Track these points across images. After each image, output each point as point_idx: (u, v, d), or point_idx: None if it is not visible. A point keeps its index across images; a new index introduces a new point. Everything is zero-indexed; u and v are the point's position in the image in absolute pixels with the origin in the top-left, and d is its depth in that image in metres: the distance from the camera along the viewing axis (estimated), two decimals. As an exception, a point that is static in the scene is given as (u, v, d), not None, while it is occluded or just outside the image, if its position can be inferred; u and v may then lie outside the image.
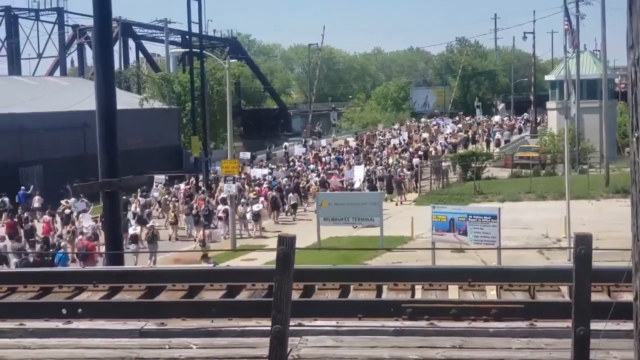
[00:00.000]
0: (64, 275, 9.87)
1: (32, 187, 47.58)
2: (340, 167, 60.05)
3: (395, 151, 69.41)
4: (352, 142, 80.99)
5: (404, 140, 78.70)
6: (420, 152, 65.82)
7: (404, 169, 54.04)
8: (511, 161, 61.00)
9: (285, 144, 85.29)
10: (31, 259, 28.39)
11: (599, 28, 60.21)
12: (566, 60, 39.36)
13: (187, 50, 70.82)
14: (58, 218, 40.43)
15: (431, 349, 6.76)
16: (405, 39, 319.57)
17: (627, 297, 7.47)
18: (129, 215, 39.21)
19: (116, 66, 66.75)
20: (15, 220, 38.87)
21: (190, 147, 62.93)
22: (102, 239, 30.51)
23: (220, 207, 41.18)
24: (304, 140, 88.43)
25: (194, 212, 40.41)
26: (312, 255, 27.36)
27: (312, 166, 62.16)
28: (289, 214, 45.21)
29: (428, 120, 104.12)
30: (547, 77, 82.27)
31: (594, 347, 5.79)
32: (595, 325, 5.83)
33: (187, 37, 69.82)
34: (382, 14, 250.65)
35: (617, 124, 70.29)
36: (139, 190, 44.27)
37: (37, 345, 7.25)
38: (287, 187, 48.25)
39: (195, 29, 59.89)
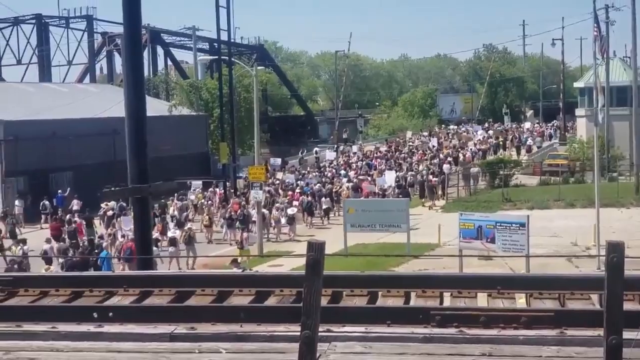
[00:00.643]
0: (94, 279, 9.94)
1: (68, 190, 47.94)
2: (371, 173, 60.23)
3: (425, 157, 69.59)
4: (382, 148, 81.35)
5: (433, 146, 78.95)
6: (449, 159, 65.85)
7: (430, 175, 54.08)
8: (540, 168, 60.70)
9: (316, 149, 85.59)
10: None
11: (629, 34, 59.59)
12: (595, 67, 39.04)
13: (215, 57, 71.16)
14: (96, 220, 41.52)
15: (460, 357, 6.75)
16: (433, 45, 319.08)
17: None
18: (168, 218, 40.86)
19: (145, 73, 67.21)
20: (59, 222, 39.88)
21: (217, 153, 63.23)
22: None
23: (255, 211, 41.47)
24: (335, 145, 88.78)
25: (227, 215, 41.32)
26: (338, 261, 27.37)
27: (343, 171, 62.36)
28: (321, 219, 45.46)
29: (457, 127, 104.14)
30: (576, 84, 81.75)
31: (625, 357, 5.77)
32: (626, 335, 5.80)
33: (215, 44, 70.08)
34: (410, 21, 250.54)
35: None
36: (175, 194, 45.84)
37: (70, 348, 7.32)
38: (319, 192, 48.70)
39: (223, 36, 60.15)
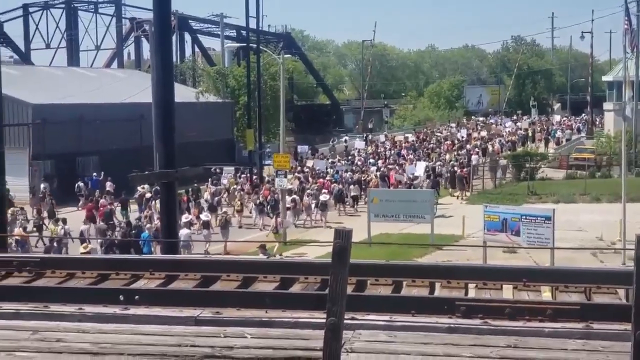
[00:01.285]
0: (121, 262, 10.01)
1: (102, 173, 48.23)
2: (400, 162, 60.35)
3: (453, 148, 69.75)
4: (410, 138, 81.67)
5: (462, 137, 79.06)
6: (477, 150, 65.88)
7: (455, 167, 54.07)
8: (566, 162, 60.33)
9: (346, 137, 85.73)
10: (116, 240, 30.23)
11: (659, 28, 58.99)
12: (625, 61, 38.73)
13: (242, 44, 71.23)
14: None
15: (485, 348, 6.74)
16: (460, 36, 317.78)
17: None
18: (202, 202, 41.87)
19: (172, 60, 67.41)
20: (94, 204, 40.50)
21: (243, 140, 63.35)
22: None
23: (288, 197, 42.11)
24: (364, 134, 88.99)
25: (258, 201, 42.05)
26: (362, 250, 27.38)
27: (371, 160, 62.51)
28: (350, 206, 45.92)
29: (485, 119, 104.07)
30: (604, 78, 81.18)
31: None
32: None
33: (243, 31, 70.16)
34: (438, 11, 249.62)
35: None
36: (209, 179, 47.77)
37: (96, 329, 7.38)
38: (349, 179, 49.08)
39: (252, 23, 60.17)
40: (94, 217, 37.23)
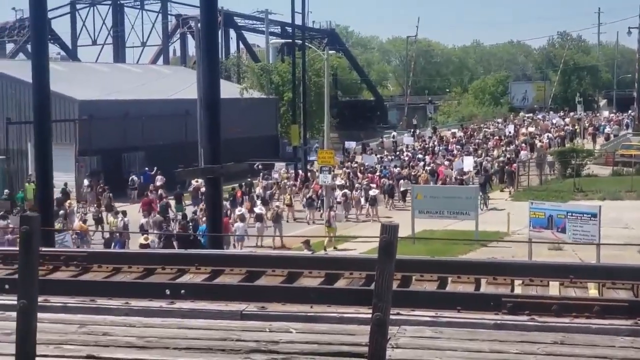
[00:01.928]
0: (166, 257, 10.09)
1: (155, 168, 48.74)
2: (449, 158, 60.37)
3: (501, 143, 69.61)
4: (458, 134, 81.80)
5: (510, 133, 78.92)
6: (525, 145, 65.66)
7: (504, 163, 53.93)
8: (612, 159, 59.55)
9: (394, 133, 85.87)
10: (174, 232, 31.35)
11: None
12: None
13: (286, 41, 71.30)
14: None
15: (532, 344, 6.69)
16: (506, 32, 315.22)
17: None
18: (254, 197, 42.60)
19: (217, 55, 67.72)
20: (150, 198, 41.43)
21: (287, 136, 63.47)
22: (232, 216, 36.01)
23: (338, 192, 42.78)
24: (412, 130, 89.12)
25: (308, 195, 42.57)
26: (405, 247, 27.33)
27: (420, 155, 62.75)
28: (400, 201, 46.09)
29: (532, 114, 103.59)
30: (651, 74, 79.94)
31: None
32: None
33: (287, 28, 70.24)
34: (483, 7, 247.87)
35: None
36: (261, 174, 48.92)
37: (142, 323, 7.44)
38: (398, 175, 49.32)
39: (297, 20, 60.24)
40: (150, 210, 38.17)
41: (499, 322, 7.21)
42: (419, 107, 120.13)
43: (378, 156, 63.64)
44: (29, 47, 57.60)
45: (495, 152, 62.92)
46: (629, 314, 7.34)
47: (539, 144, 68.17)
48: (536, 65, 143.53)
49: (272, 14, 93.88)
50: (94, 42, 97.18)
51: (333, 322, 7.33)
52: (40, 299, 6.40)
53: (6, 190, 43.81)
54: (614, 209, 37.98)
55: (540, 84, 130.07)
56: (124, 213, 35.37)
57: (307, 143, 59.02)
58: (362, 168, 54.46)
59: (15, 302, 5.85)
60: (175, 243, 29.20)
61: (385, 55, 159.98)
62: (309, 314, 7.51)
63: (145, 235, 29.90)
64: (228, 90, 57.30)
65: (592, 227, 28.26)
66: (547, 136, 75.20)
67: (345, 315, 7.44)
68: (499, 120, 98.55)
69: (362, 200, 42.89)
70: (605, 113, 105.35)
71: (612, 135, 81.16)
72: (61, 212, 35.93)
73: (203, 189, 41.26)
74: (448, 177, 50.09)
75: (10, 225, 30.28)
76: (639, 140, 70.51)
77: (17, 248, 6.44)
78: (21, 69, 46.23)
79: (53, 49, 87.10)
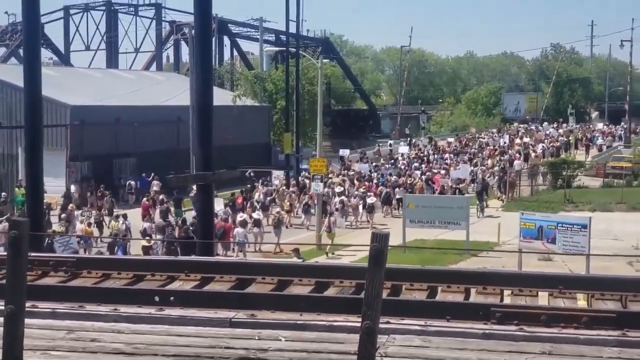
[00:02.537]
0: (156, 264, 10.07)
1: (152, 174, 48.64)
2: (445, 167, 60.73)
3: (495, 153, 70.03)
4: (453, 143, 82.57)
5: (505, 143, 79.49)
6: (518, 155, 66.06)
7: (494, 174, 54.18)
8: (603, 170, 59.73)
9: (390, 141, 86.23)
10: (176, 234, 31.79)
11: (700, 37, 58.36)
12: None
13: (280, 49, 71.34)
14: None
15: (520, 354, 6.71)
16: (499, 43, 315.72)
17: None
18: (254, 203, 42.93)
19: (210, 62, 67.78)
20: (149, 203, 41.75)
21: (279, 144, 63.47)
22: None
23: (336, 199, 43.56)
24: (408, 139, 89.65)
25: (304, 201, 43.03)
26: (396, 256, 27.31)
27: (416, 164, 63.12)
28: (395, 209, 46.51)
29: (527, 125, 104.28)
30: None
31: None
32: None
33: (281, 36, 70.30)
34: (477, 18, 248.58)
35: None
36: (260, 180, 49.82)
37: (131, 330, 7.43)
38: (394, 183, 49.88)
39: (291, 28, 60.31)
40: (150, 215, 38.82)
41: (487, 331, 7.22)
42: (411, 116, 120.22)
43: (374, 164, 64.13)
44: (21, 51, 57.58)
45: (490, 162, 63.22)
46: (616, 324, 7.36)
47: (533, 155, 68.55)
48: (529, 77, 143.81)
49: (266, 22, 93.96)
50: (87, 48, 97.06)
51: (322, 330, 7.33)
52: (28, 304, 6.39)
53: (4, 193, 43.74)
54: (604, 220, 38.06)
55: (532, 96, 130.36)
56: (125, 216, 35.66)
57: (300, 151, 59.06)
58: (358, 176, 54.96)
59: (3, 308, 5.84)
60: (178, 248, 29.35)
61: (379, 64, 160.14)
62: (298, 322, 7.51)
63: (147, 238, 30.42)
64: (221, 97, 57.28)
65: (582, 238, 28.29)
66: (542, 146, 75.69)
67: (335, 323, 7.44)
68: (494, 130, 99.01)
69: (360, 207, 43.42)
70: (599, 125, 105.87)
71: (605, 147, 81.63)
72: (63, 215, 36.74)
73: None
74: (445, 185, 50.28)
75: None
76: (630, 152, 70.79)
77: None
78: (13, 73, 46.15)
79: (45, 54, 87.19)
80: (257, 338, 7.13)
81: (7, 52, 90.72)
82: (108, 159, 51.61)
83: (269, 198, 44.86)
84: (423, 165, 62.11)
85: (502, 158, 65.72)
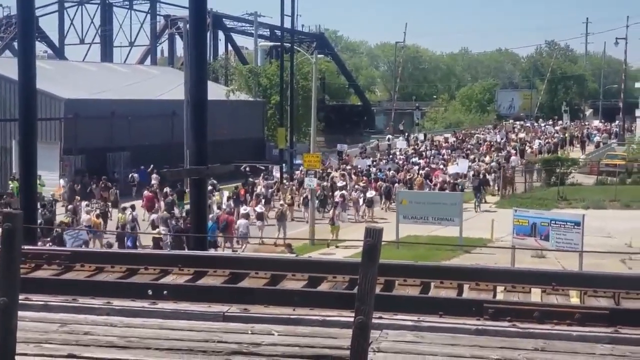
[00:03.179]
0: (150, 257, 10.06)
1: (151, 166, 48.60)
2: (442, 162, 61.01)
3: (492, 149, 70.31)
4: (450, 139, 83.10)
5: (502, 139, 79.89)
6: (514, 151, 66.36)
7: (491, 169, 54.48)
8: (597, 168, 59.84)
9: (389, 136, 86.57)
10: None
11: (695, 36, 58.48)
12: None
13: (275, 44, 71.30)
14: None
15: (513, 350, 6.71)
16: (494, 40, 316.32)
17: None
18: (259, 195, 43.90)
19: (205, 57, 67.80)
20: (153, 194, 42.47)
21: (273, 139, 63.47)
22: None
23: (337, 192, 44.08)
24: (407, 134, 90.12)
25: (304, 195, 43.63)
26: (389, 252, 27.33)
27: (414, 159, 63.38)
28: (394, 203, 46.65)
29: (523, 122, 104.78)
30: (637, 85, 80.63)
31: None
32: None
33: (276, 31, 70.25)
34: (472, 15, 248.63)
35: None
36: (262, 174, 50.79)
37: (124, 323, 7.42)
38: (393, 178, 50.55)
39: (286, 23, 60.29)
40: (152, 207, 39.52)
41: (480, 327, 7.22)
42: (406, 112, 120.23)
43: (370, 159, 64.69)
44: (15, 44, 57.42)
45: (487, 158, 63.49)
46: (609, 321, 7.37)
47: (529, 150, 68.86)
48: (523, 74, 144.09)
49: (261, 17, 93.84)
50: (82, 41, 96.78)
51: (315, 325, 7.33)
52: (21, 297, 6.37)
53: (11, 185, 43.80)
54: (597, 217, 38.12)
55: (527, 93, 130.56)
56: (133, 207, 36.17)
57: (294, 146, 59.10)
58: (355, 171, 55.53)
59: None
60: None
61: (374, 60, 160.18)
62: (291, 317, 7.51)
63: (157, 230, 31.10)
64: (215, 92, 57.28)
65: (575, 236, 28.38)
66: (538, 143, 75.98)
67: (328, 318, 7.44)
68: (489, 126, 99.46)
69: (361, 201, 43.99)
70: (595, 122, 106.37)
71: (601, 144, 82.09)
72: (70, 206, 37.47)
73: (209, 187, 42.69)
74: (443, 181, 50.44)
75: None
76: (624, 150, 70.94)
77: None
78: (7, 66, 46.06)
79: (40, 47, 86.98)
80: (250, 332, 7.13)
81: (2, 45, 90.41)
82: (102, 152, 51.55)
83: (270, 190, 45.72)
84: (421, 161, 62.43)
85: (498, 154, 65.92)
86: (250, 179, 47.90)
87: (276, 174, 52.78)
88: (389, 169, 54.84)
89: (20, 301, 6.14)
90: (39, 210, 36.91)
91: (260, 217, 37.72)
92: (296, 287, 8.77)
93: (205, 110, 17.89)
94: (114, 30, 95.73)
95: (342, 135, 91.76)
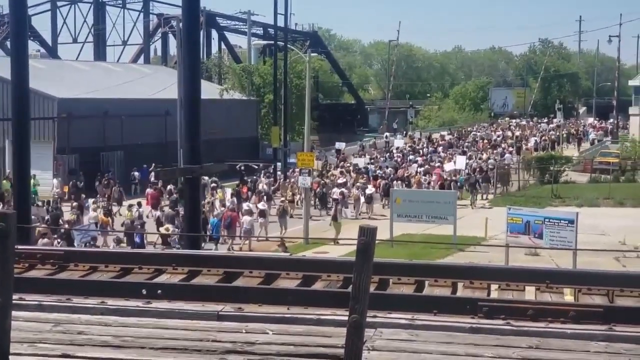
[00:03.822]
0: (143, 256, 10.04)
1: (153, 164, 48.49)
2: (439, 159, 61.27)
3: (488, 147, 70.69)
4: (447, 136, 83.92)
5: (498, 136, 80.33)
6: (510, 149, 66.59)
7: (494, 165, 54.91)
8: (590, 166, 59.94)
9: (387, 134, 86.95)
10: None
11: (688, 34, 58.66)
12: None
13: (269, 42, 71.32)
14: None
15: (507, 348, 6.71)
16: (487, 38, 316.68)
17: None
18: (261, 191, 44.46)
19: (198, 56, 67.84)
20: (158, 192, 42.77)
21: (267, 138, 63.48)
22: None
23: (336, 190, 44.61)
24: (404, 132, 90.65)
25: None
26: (384, 250, 27.36)
27: (411, 157, 63.87)
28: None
29: (518, 120, 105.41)
30: (631, 82, 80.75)
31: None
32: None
33: (269, 29, 70.26)
34: (465, 13, 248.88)
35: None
36: (262, 171, 51.66)
37: (118, 323, 7.40)
38: (391, 175, 51.18)
39: (279, 21, 60.28)
40: (157, 205, 39.69)
41: (474, 325, 7.22)
42: (399, 111, 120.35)
43: (368, 157, 65.09)
44: (8, 43, 57.41)
45: (484, 155, 63.69)
46: (603, 319, 7.38)
47: (524, 147, 69.17)
48: (517, 72, 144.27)
49: (254, 15, 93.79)
50: (75, 40, 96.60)
51: (310, 323, 7.32)
52: (15, 297, 6.36)
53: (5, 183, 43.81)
54: (591, 215, 38.20)
55: (520, 91, 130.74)
56: (139, 204, 36.87)
57: (287, 145, 59.13)
58: (355, 169, 55.95)
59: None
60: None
61: (367, 59, 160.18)
62: (285, 316, 7.50)
63: (166, 226, 31.58)
64: (209, 90, 57.25)
65: (569, 234, 28.40)
66: (534, 140, 76.32)
67: (322, 317, 7.43)
68: (485, 124, 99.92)
69: (362, 198, 44.40)
70: (590, 119, 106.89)
71: (597, 141, 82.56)
72: (75, 204, 37.92)
73: (213, 185, 43.80)
74: (445, 178, 50.64)
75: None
76: (618, 147, 71.06)
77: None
78: (0, 66, 45.97)
79: (33, 46, 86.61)
80: (244, 331, 7.12)
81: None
82: (95, 152, 51.53)
83: (272, 187, 46.39)
84: (419, 158, 62.70)
85: (494, 151, 66.19)
86: (245, 178, 48.12)
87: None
88: (387, 167, 55.31)
89: (14, 301, 6.13)
90: (46, 207, 37.49)
91: (262, 214, 38.09)
92: (290, 286, 8.76)
93: (198, 109, 17.88)
94: (107, 29, 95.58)
95: (336, 134, 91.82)
